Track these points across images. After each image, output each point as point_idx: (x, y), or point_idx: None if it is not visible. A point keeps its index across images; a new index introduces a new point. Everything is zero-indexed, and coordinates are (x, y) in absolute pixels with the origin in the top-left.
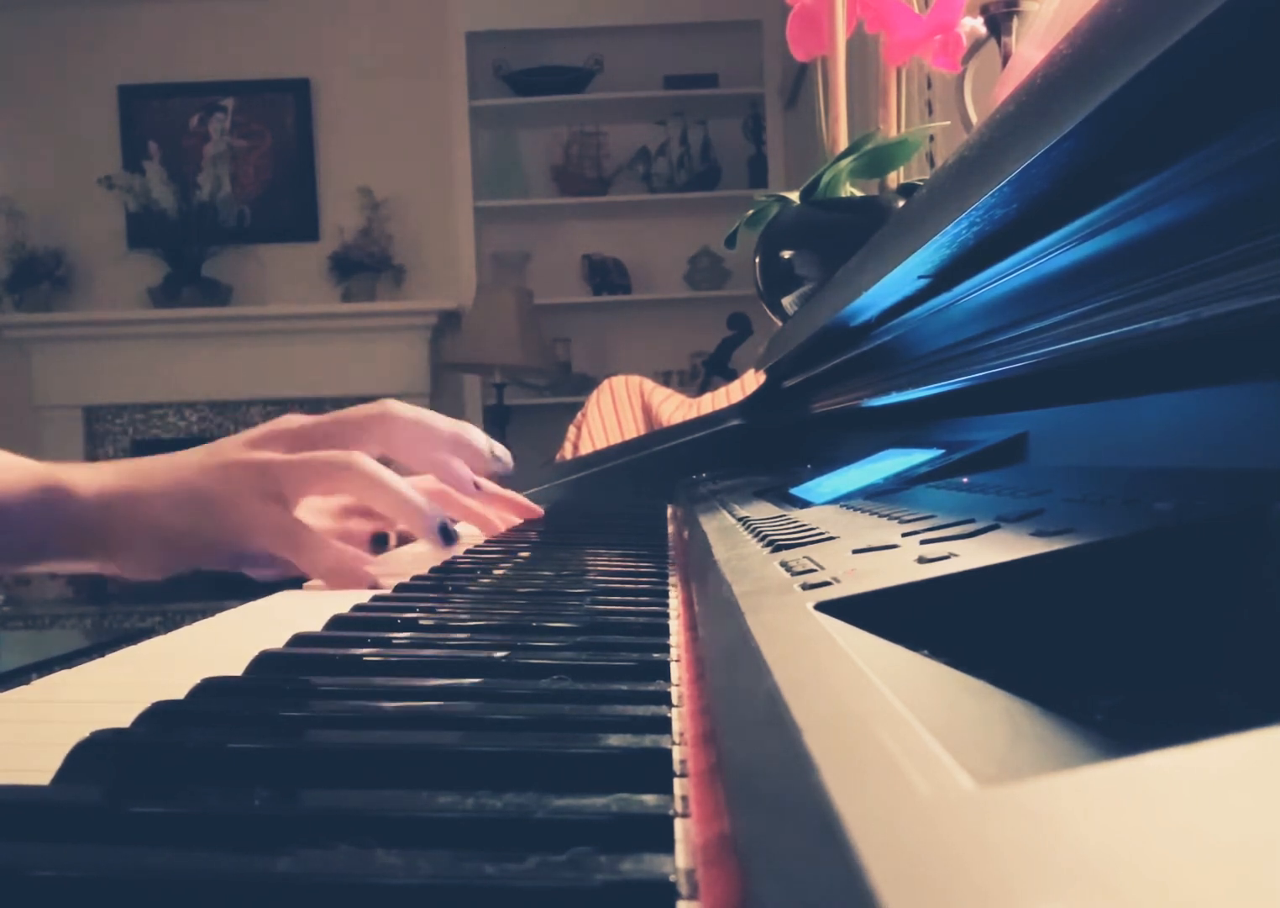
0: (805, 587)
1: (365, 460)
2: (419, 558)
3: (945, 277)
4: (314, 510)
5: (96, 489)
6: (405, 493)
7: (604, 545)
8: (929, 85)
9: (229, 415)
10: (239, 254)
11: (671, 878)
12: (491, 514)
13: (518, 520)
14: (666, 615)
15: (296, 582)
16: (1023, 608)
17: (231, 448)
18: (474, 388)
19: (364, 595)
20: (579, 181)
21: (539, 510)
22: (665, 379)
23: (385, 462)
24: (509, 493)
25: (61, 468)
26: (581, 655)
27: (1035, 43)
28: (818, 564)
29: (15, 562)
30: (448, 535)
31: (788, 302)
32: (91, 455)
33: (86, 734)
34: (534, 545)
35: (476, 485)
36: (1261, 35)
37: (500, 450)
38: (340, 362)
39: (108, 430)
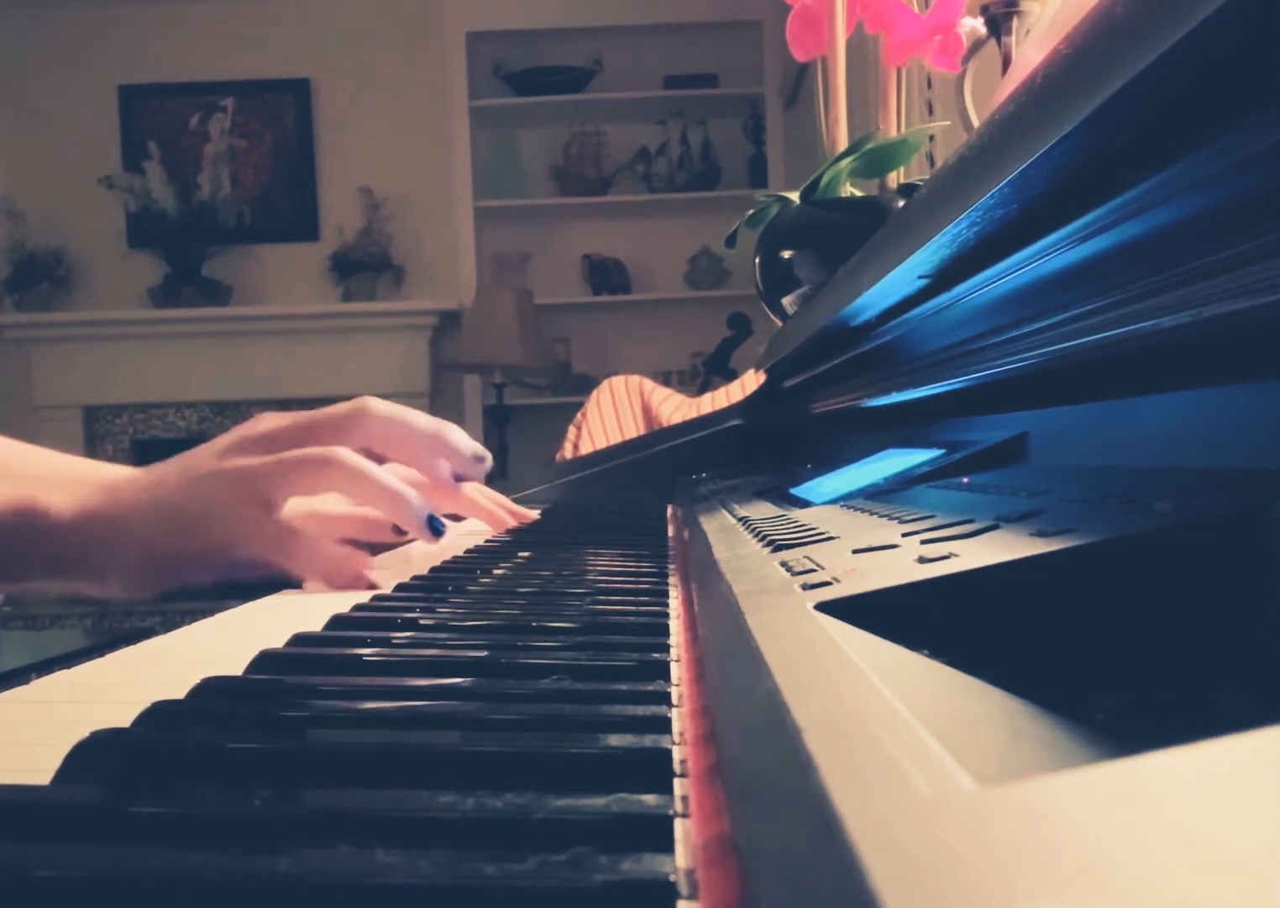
0: (805, 587)
1: (346, 454)
2: (417, 558)
3: (945, 276)
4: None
5: (74, 511)
6: (391, 485)
7: (604, 545)
8: (929, 85)
9: (229, 415)
10: (239, 254)
11: (671, 878)
12: (481, 498)
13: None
14: (666, 615)
15: (297, 581)
16: (1023, 608)
17: (205, 458)
18: (474, 388)
19: (364, 595)
20: (579, 181)
21: (528, 514)
22: (665, 379)
23: (368, 455)
24: (493, 494)
25: (40, 486)
26: (581, 655)
27: (1035, 43)
28: (818, 564)
29: None
30: (435, 527)
31: (788, 302)
32: (91, 455)
33: (86, 734)
34: (534, 545)
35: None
36: (1260, 35)
37: (481, 451)
38: (340, 362)
39: (108, 430)
